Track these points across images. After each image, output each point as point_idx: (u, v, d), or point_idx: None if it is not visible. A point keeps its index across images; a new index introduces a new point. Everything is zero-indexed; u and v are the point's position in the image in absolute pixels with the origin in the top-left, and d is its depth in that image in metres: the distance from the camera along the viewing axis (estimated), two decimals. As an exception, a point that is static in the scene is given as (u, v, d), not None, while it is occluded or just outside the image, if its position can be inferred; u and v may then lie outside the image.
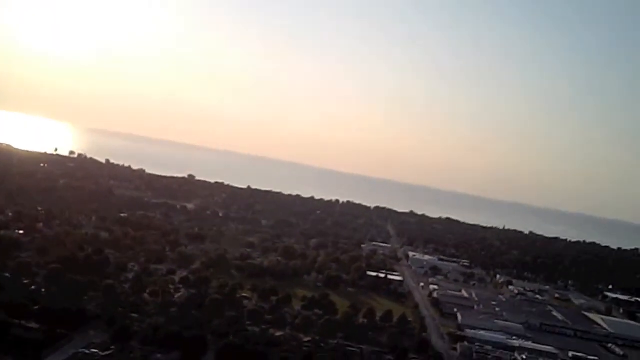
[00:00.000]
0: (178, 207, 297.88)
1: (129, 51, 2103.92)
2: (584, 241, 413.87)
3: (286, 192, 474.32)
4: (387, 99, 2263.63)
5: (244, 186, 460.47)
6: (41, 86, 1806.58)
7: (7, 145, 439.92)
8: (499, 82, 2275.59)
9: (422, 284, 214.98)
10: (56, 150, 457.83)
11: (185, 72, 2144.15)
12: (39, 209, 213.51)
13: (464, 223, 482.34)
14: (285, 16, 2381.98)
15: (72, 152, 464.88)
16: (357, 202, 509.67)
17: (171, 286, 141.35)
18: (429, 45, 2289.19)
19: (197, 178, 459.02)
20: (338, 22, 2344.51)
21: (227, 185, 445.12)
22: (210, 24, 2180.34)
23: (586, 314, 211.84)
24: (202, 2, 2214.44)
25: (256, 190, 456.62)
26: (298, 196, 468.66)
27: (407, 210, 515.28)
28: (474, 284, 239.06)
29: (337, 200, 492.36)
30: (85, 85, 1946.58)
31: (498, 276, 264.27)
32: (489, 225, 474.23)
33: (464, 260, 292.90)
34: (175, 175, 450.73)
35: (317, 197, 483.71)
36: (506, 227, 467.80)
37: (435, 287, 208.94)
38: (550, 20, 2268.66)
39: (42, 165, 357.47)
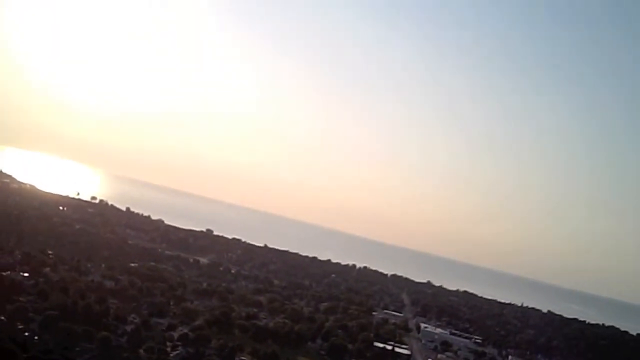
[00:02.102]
0: (191, 260, 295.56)
1: (168, 109, 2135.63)
2: (603, 324, 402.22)
3: (303, 253, 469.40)
4: (410, 164, 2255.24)
5: (261, 244, 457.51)
6: (74, 131, 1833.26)
7: (31, 185, 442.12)
8: (516, 153, 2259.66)
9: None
10: (78, 194, 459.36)
11: (219, 132, 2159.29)
12: (49, 252, 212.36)
13: (480, 297, 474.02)
14: (314, 77, 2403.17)
15: (93, 198, 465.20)
16: (374, 268, 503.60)
17: (169, 343, 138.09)
18: (459, 112, 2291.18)
19: (215, 232, 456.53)
20: (373, 87, 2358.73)
21: (244, 242, 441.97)
22: (245, 88, 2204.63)
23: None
24: (233, 68, 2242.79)
25: (273, 249, 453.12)
26: (315, 258, 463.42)
27: (424, 280, 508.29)
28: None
29: (354, 265, 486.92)
30: (120, 136, 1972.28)
31: (510, 357, 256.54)
32: (507, 302, 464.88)
33: (476, 337, 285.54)
34: (193, 228, 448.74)
35: (334, 261, 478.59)
36: (524, 305, 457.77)
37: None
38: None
39: (61, 208, 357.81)
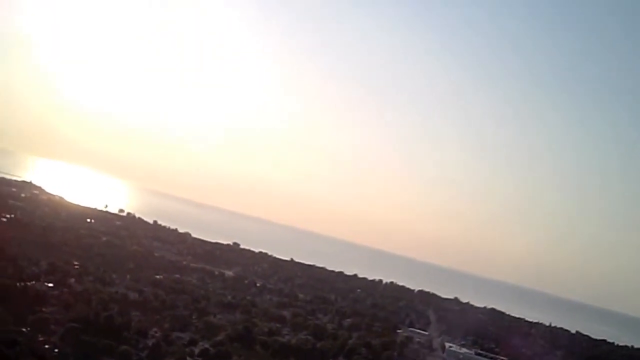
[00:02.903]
0: (216, 273, 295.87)
1: (200, 123, 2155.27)
2: (632, 346, 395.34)
3: (329, 268, 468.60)
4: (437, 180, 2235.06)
5: (288, 258, 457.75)
6: (105, 144, 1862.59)
7: (59, 197, 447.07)
8: (534, 166, 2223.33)
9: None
10: (106, 206, 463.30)
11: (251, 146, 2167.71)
12: (75, 263, 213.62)
13: (508, 315, 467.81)
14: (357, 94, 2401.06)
15: (121, 210, 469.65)
16: (401, 283, 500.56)
17: (189, 358, 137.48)
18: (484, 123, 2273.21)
19: (242, 246, 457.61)
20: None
21: (270, 256, 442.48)
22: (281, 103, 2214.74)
23: None
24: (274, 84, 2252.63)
25: (299, 263, 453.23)
26: (341, 273, 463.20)
27: (451, 297, 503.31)
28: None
29: (381, 280, 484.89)
30: (151, 149, 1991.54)
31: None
32: (535, 321, 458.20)
33: (502, 357, 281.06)
34: (220, 241, 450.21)
35: (360, 275, 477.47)
36: (552, 324, 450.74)
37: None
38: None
39: (88, 220, 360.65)
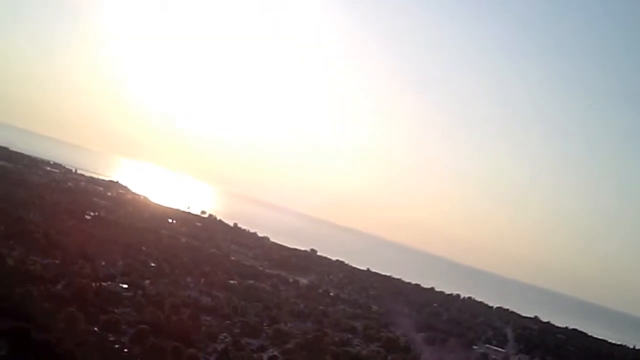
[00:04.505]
0: (290, 280, 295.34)
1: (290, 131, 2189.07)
2: None
3: (406, 279, 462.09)
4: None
5: (364, 267, 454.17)
6: (195, 148, 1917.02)
7: (144, 197, 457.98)
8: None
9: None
10: (188, 208, 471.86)
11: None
12: (152, 264, 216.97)
13: (590, 336, 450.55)
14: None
15: (203, 212, 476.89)
16: (479, 299, 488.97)
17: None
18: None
19: (319, 253, 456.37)
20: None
21: (347, 265, 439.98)
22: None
23: None
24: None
25: (375, 273, 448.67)
26: (418, 285, 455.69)
27: (531, 315, 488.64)
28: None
29: (458, 295, 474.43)
30: (242, 155, 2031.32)
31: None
32: (618, 343, 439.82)
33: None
34: (298, 247, 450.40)
35: (437, 289, 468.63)
36: (637, 347, 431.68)
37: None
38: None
39: (170, 220, 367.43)
